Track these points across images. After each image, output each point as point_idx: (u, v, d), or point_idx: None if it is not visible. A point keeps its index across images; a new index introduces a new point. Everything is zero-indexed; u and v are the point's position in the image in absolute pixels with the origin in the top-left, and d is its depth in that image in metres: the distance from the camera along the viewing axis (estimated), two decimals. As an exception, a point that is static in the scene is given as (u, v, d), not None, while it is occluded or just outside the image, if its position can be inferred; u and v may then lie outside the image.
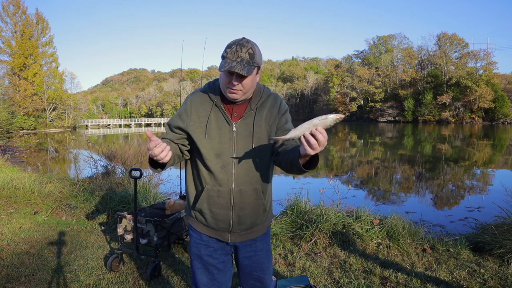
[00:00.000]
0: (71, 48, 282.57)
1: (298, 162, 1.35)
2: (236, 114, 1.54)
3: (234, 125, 1.53)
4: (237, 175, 1.53)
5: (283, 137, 1.34)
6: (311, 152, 1.24)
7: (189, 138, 1.57)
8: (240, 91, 1.47)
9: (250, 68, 1.41)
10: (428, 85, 63.50)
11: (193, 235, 1.68)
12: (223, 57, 1.44)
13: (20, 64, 46.41)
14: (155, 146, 1.33)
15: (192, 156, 1.62)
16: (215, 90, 1.58)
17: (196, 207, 1.60)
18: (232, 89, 1.46)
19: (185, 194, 4.10)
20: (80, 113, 62.53)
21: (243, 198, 1.55)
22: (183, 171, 4.64)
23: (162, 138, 1.58)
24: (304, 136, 1.24)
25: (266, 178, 1.60)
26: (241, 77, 1.44)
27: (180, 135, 1.58)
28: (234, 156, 1.52)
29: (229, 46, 1.43)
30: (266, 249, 1.72)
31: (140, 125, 78.62)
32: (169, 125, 1.61)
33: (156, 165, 1.47)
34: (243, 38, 1.45)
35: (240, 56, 1.40)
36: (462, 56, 63.01)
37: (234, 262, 1.78)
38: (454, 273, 3.17)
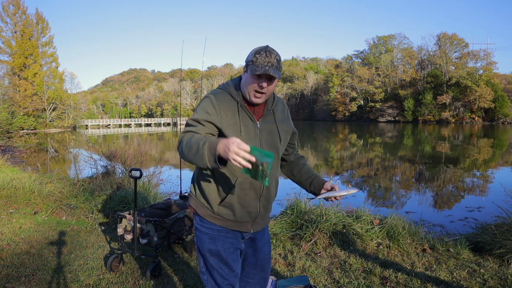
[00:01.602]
0: (71, 48, 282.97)
1: (307, 189, 1.87)
2: (257, 114, 1.67)
3: (258, 122, 1.66)
4: None
5: (325, 195, 1.76)
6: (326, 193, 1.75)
7: (220, 135, 1.59)
8: (265, 94, 1.59)
9: (279, 72, 1.56)
10: (428, 85, 63.48)
11: (207, 232, 1.67)
12: (252, 62, 1.54)
13: (20, 64, 46.35)
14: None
15: None
16: (236, 90, 1.65)
17: (225, 202, 1.62)
18: (259, 93, 1.58)
19: (186, 194, 4.11)
20: (80, 113, 62.43)
21: (269, 189, 1.69)
22: (183, 171, 4.64)
23: (188, 132, 1.55)
24: (335, 197, 1.75)
25: (279, 170, 1.81)
26: (270, 81, 1.56)
27: (211, 129, 1.58)
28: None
29: (257, 52, 1.54)
30: (270, 240, 1.91)
31: (140, 125, 78.61)
32: (196, 120, 1.58)
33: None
34: (268, 46, 1.57)
35: (270, 61, 1.52)
36: (462, 56, 63.00)
37: None
38: (454, 273, 3.17)
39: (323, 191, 1.77)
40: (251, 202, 1.65)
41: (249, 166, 1.29)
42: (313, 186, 1.82)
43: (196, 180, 1.72)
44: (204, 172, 1.65)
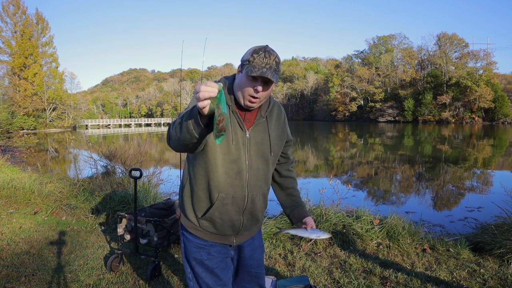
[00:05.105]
0: (71, 48, 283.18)
1: (285, 211, 1.83)
2: (248, 121, 1.52)
3: (247, 131, 1.51)
4: (249, 181, 1.53)
5: (290, 231, 1.80)
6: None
7: (206, 145, 1.45)
8: (258, 99, 1.44)
9: (277, 76, 1.41)
10: (428, 85, 63.53)
11: (193, 240, 1.61)
12: (249, 61, 1.39)
13: (20, 64, 46.39)
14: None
15: (201, 162, 1.50)
16: (229, 93, 1.51)
17: (206, 216, 1.54)
18: (254, 97, 1.43)
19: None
20: (80, 113, 62.45)
21: (254, 203, 1.57)
22: (182, 171, 4.64)
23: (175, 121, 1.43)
24: (304, 236, 1.71)
25: (270, 182, 1.68)
26: (266, 84, 1.42)
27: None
28: (247, 162, 1.52)
29: (255, 52, 1.39)
30: (261, 245, 1.79)
31: (140, 125, 78.56)
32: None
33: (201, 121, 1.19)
34: (267, 45, 1.43)
35: (269, 63, 1.38)
36: (462, 56, 63.04)
37: None
38: (454, 273, 3.17)
39: (299, 224, 1.74)
40: (234, 216, 1.54)
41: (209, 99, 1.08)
42: (293, 215, 1.78)
43: (181, 192, 1.64)
44: (191, 185, 1.57)
